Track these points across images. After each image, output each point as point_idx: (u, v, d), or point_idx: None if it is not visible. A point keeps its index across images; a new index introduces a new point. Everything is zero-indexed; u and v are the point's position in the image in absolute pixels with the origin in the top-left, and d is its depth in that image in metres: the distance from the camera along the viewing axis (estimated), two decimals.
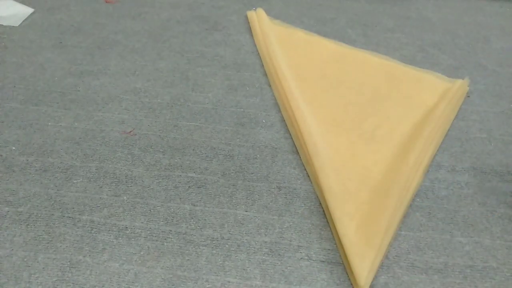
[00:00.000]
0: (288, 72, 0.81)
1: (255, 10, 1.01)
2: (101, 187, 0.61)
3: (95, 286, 0.50)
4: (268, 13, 1.00)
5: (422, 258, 0.55)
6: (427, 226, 0.59)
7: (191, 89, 0.79)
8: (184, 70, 0.84)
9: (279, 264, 0.54)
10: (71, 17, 0.98)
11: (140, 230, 0.56)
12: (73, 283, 0.50)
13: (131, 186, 0.62)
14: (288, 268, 0.53)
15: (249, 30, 0.97)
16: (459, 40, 0.98)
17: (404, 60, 0.89)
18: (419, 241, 0.57)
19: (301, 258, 0.54)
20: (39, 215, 0.57)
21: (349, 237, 0.54)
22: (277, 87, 0.79)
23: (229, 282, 0.52)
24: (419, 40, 0.97)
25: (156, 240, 0.55)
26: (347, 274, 0.53)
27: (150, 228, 0.57)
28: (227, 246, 0.55)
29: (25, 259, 0.52)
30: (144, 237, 0.56)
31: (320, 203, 0.61)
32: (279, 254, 0.55)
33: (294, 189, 0.63)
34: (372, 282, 0.52)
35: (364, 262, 0.52)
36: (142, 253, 0.54)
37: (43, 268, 0.52)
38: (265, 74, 0.84)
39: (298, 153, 0.68)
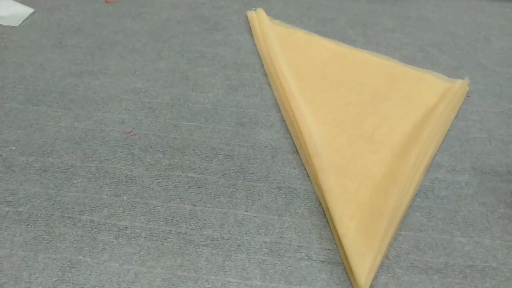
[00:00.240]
0: (288, 72, 0.81)
1: (255, 10, 1.01)
2: (101, 187, 0.61)
3: (95, 286, 0.50)
4: (268, 13, 1.00)
5: (422, 258, 0.55)
6: (427, 226, 0.59)
7: (191, 89, 0.79)
8: (184, 70, 0.84)
9: (279, 264, 0.54)
10: (71, 17, 0.98)
11: (140, 230, 0.56)
12: (73, 283, 0.50)
13: (131, 186, 0.62)
14: (288, 268, 0.53)
15: (249, 30, 0.97)
16: (459, 40, 0.98)
17: (404, 60, 0.89)
18: (419, 241, 0.57)
19: (301, 258, 0.54)
20: (39, 215, 0.57)
21: (349, 237, 0.54)
22: (277, 87, 0.79)
23: (229, 282, 0.52)
24: (419, 40, 0.97)
25: (156, 240, 0.55)
26: (347, 274, 0.53)
27: (150, 228, 0.57)
28: (227, 246, 0.55)
29: (25, 259, 0.52)
30: (144, 237, 0.56)
31: (320, 203, 0.61)
32: (279, 254, 0.55)
33: (294, 189, 0.63)
34: (372, 282, 0.52)
35: (364, 262, 0.52)
36: (142, 253, 0.54)
37: (43, 268, 0.52)
38: (265, 74, 0.84)
39: (298, 153, 0.68)
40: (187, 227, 0.57)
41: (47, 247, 0.54)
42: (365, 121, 0.74)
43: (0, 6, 0.99)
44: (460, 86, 0.81)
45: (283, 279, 0.52)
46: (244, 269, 0.53)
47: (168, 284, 0.51)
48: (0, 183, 0.61)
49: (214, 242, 0.56)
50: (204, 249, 0.55)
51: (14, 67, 0.82)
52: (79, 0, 1.05)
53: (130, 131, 0.70)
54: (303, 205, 0.61)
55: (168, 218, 0.58)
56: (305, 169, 0.65)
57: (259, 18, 0.97)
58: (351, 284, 0.52)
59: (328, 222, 0.59)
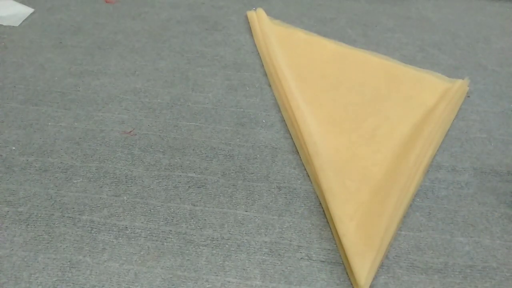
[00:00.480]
0: (288, 72, 0.81)
1: (255, 10, 1.01)
2: (101, 187, 0.61)
3: (95, 286, 0.50)
4: (268, 13, 1.00)
5: (422, 258, 0.55)
6: (427, 226, 0.59)
7: (191, 89, 0.79)
8: (184, 70, 0.84)
9: (279, 264, 0.54)
10: (71, 17, 0.98)
11: (140, 230, 0.56)
12: (73, 283, 0.50)
13: (131, 186, 0.62)
14: (288, 268, 0.53)
15: (249, 30, 0.97)
16: (459, 40, 0.98)
17: (404, 60, 0.89)
18: (419, 241, 0.57)
19: (301, 258, 0.54)
20: (39, 215, 0.57)
21: (349, 237, 0.54)
22: (277, 87, 0.79)
23: (229, 282, 0.52)
24: (419, 40, 0.97)
25: (156, 240, 0.55)
26: (347, 274, 0.53)
27: (150, 228, 0.57)
28: (227, 246, 0.55)
29: (25, 259, 0.52)
30: (144, 237, 0.55)
31: (320, 203, 0.61)
32: (279, 254, 0.55)
33: (294, 189, 0.63)
34: (372, 282, 0.52)
35: (364, 262, 0.52)
36: (142, 253, 0.54)
37: (43, 268, 0.52)
38: (265, 74, 0.84)
39: (298, 153, 0.68)
40: (187, 227, 0.57)
41: (47, 247, 0.54)
42: (365, 121, 0.74)
43: (0, 6, 0.99)
44: (460, 86, 0.81)
45: (283, 279, 0.52)
46: (244, 269, 0.53)
47: (168, 284, 0.51)
48: (0, 183, 0.61)
49: (214, 242, 0.56)
50: (204, 249, 0.55)
51: (14, 67, 0.82)
52: (79, 0, 1.05)
53: (130, 131, 0.70)
54: (303, 205, 0.61)
55: (168, 218, 0.58)
56: (305, 169, 0.65)
57: (259, 18, 0.97)
58: (351, 284, 0.52)
59: (328, 222, 0.59)
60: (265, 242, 0.56)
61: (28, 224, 0.56)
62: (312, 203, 0.61)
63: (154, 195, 0.61)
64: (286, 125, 0.73)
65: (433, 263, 0.55)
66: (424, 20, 1.05)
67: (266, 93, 0.80)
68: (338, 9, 1.08)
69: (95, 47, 0.89)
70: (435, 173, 0.66)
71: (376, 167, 0.66)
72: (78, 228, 0.56)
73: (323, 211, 0.60)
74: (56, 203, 0.59)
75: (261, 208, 0.60)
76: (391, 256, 0.55)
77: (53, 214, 0.57)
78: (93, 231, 0.56)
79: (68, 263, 0.52)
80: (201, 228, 0.57)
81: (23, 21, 0.95)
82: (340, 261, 0.54)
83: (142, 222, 0.57)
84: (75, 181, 0.62)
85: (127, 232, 0.56)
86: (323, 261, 0.54)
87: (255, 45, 0.92)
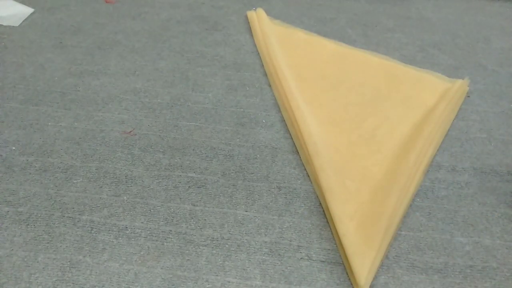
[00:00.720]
0: (288, 72, 0.81)
1: (255, 10, 1.01)
2: (101, 187, 0.61)
3: (95, 286, 0.50)
4: (268, 13, 1.00)
5: (422, 258, 0.55)
6: (427, 226, 0.59)
7: (191, 89, 0.79)
8: (184, 70, 0.84)
9: (279, 264, 0.54)
10: (71, 17, 0.98)
11: (140, 230, 0.56)
12: (73, 283, 0.50)
13: (131, 186, 0.62)
14: (288, 268, 0.53)
15: (249, 30, 0.97)
16: (459, 40, 0.98)
17: (404, 60, 0.89)
18: (419, 241, 0.57)
19: (301, 258, 0.54)
20: (39, 215, 0.57)
21: (349, 237, 0.54)
22: (277, 87, 0.79)
23: (229, 282, 0.52)
24: (419, 40, 0.97)
25: (156, 240, 0.55)
26: (347, 274, 0.53)
27: (150, 228, 0.57)
28: (227, 246, 0.55)
29: (25, 259, 0.52)
30: (144, 237, 0.55)
31: (320, 203, 0.61)
32: (279, 254, 0.55)
33: (294, 189, 0.63)
34: (372, 282, 0.52)
35: (364, 262, 0.52)
36: (142, 253, 0.54)
37: (43, 268, 0.52)
38: (265, 74, 0.84)
39: (298, 153, 0.68)
40: (187, 227, 0.57)
41: (47, 247, 0.54)
42: (365, 121, 0.74)
43: (0, 6, 0.99)
44: (460, 86, 0.81)
45: (283, 279, 0.52)
46: (244, 269, 0.53)
47: (168, 284, 0.51)
48: (0, 183, 0.61)
49: (214, 242, 0.56)
50: (204, 249, 0.55)
51: (14, 67, 0.82)
52: (79, 0, 1.05)
53: (130, 131, 0.70)
54: (303, 205, 0.61)
55: (168, 218, 0.58)
56: (305, 169, 0.65)
57: (259, 18, 0.97)
58: (351, 284, 0.52)
59: (328, 222, 0.58)
60: (265, 242, 0.56)
61: (28, 224, 0.56)
62: (312, 203, 0.61)
63: (154, 195, 0.61)
64: (286, 125, 0.73)
65: (433, 263, 0.55)
66: (424, 20, 1.05)
67: (266, 93, 0.80)
68: (338, 9, 1.08)
69: (95, 47, 0.89)
70: (435, 173, 0.66)
71: (376, 167, 0.66)
72: (78, 228, 0.56)
73: (323, 211, 0.60)
74: (56, 203, 0.59)
75: (261, 208, 0.60)
76: (391, 256, 0.55)
77: (53, 214, 0.57)
78: (93, 231, 0.56)
79: (68, 263, 0.52)
80: (201, 228, 0.57)
81: (23, 21, 0.95)
82: (340, 261, 0.54)
83: (142, 222, 0.57)
84: (75, 181, 0.62)
85: (127, 232, 0.56)
86: (323, 261, 0.54)
87: (255, 45, 0.92)
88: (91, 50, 0.88)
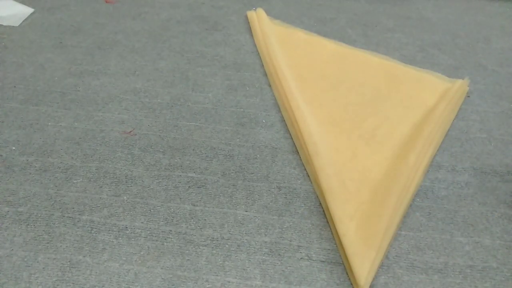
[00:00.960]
0: (288, 72, 0.81)
1: (255, 10, 1.01)
2: (101, 187, 0.61)
3: (95, 286, 0.50)
4: (268, 13, 1.00)
5: (422, 258, 0.55)
6: (427, 226, 0.59)
7: (191, 89, 0.79)
8: (184, 70, 0.84)
9: (279, 264, 0.54)
10: (71, 17, 0.98)
11: (140, 230, 0.56)
12: (73, 283, 0.50)
13: (131, 186, 0.62)
14: (288, 268, 0.53)
15: (249, 30, 0.97)
16: (459, 40, 0.98)
17: (404, 60, 0.89)
18: (419, 241, 0.57)
19: (301, 258, 0.54)
20: (39, 215, 0.57)
21: (349, 237, 0.54)
22: (277, 87, 0.79)
23: (229, 282, 0.52)
24: (419, 40, 0.97)
25: (156, 240, 0.55)
26: (347, 274, 0.53)
27: (150, 228, 0.57)
28: (227, 246, 0.55)
29: (25, 259, 0.52)
30: (144, 237, 0.55)
31: (320, 203, 0.61)
32: (279, 254, 0.55)
33: (294, 189, 0.63)
34: (372, 282, 0.52)
35: (364, 262, 0.52)
36: (142, 253, 0.54)
37: (43, 268, 0.52)
38: (265, 74, 0.84)
39: (298, 153, 0.68)
40: (187, 227, 0.57)
41: (47, 247, 0.54)
42: (365, 121, 0.74)
43: (0, 6, 0.99)
44: (460, 86, 0.81)
45: (283, 279, 0.52)
46: (244, 269, 0.53)
47: (168, 284, 0.51)
48: (0, 183, 0.61)
49: (214, 242, 0.56)
50: (204, 249, 0.55)
51: (14, 67, 0.82)
52: (79, 0, 1.05)
53: (130, 131, 0.70)
54: (303, 205, 0.61)
55: (168, 218, 0.58)
56: (305, 169, 0.65)
57: (259, 18, 0.97)
58: (351, 284, 0.52)
59: (328, 222, 0.58)
60: (265, 242, 0.56)
61: (28, 224, 0.56)
62: (312, 203, 0.61)
63: (154, 195, 0.61)
64: (286, 125, 0.73)
65: (433, 263, 0.55)
66: (424, 20, 1.05)
67: (266, 93, 0.80)
68: (338, 9, 1.08)
69: (95, 47, 0.89)
70: (435, 173, 0.66)
71: (376, 167, 0.66)
72: (78, 228, 0.56)
73: (323, 211, 0.60)
74: (56, 203, 0.59)
75: (261, 208, 0.60)
76: (391, 256, 0.55)
77: (53, 214, 0.57)
78: (93, 231, 0.56)
79: (68, 263, 0.52)
80: (201, 228, 0.57)
81: (23, 21, 0.95)
82: (340, 261, 0.54)
83: (142, 222, 0.57)
84: (75, 181, 0.62)
85: (127, 232, 0.56)
86: (323, 261, 0.54)
87: (255, 45, 0.92)
88: (91, 50, 0.88)
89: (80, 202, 0.59)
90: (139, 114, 0.74)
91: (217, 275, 0.52)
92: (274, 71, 0.82)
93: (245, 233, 0.57)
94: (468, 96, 0.81)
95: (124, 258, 0.53)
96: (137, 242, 0.55)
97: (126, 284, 0.51)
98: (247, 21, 1.00)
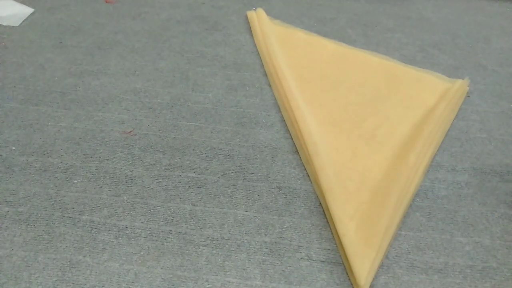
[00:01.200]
0: (288, 72, 0.81)
1: (255, 10, 1.01)
2: (101, 187, 0.61)
3: (95, 286, 0.50)
4: (268, 13, 1.00)
5: (422, 258, 0.55)
6: (427, 226, 0.59)
7: (191, 89, 0.79)
8: (184, 70, 0.84)
9: (279, 264, 0.54)
10: (71, 17, 0.98)
11: (140, 230, 0.56)
12: (73, 283, 0.50)
13: (131, 186, 0.62)
14: (288, 268, 0.53)
15: (249, 30, 0.97)
16: (459, 40, 0.98)
17: (404, 60, 0.89)
18: (419, 241, 0.57)
19: (301, 258, 0.54)
20: (39, 215, 0.57)
21: (349, 237, 0.54)
22: (277, 87, 0.79)
23: (229, 282, 0.52)
24: (419, 40, 0.97)
25: (156, 240, 0.55)
26: (347, 274, 0.53)
27: (150, 228, 0.57)
28: (227, 246, 0.55)
29: (25, 259, 0.52)
30: (144, 237, 0.55)
31: (320, 203, 0.61)
32: (279, 254, 0.55)
33: (294, 189, 0.63)
34: (372, 282, 0.52)
35: (364, 262, 0.52)
36: (142, 253, 0.54)
37: (43, 268, 0.52)
38: (265, 74, 0.84)
39: (298, 153, 0.68)
40: (187, 227, 0.57)
41: (47, 247, 0.54)
42: (365, 121, 0.74)
43: (0, 6, 0.99)
44: (460, 86, 0.81)
45: (283, 279, 0.52)
46: (244, 269, 0.53)
47: (168, 284, 0.51)
48: (0, 183, 0.61)
49: (214, 242, 0.56)
50: (204, 249, 0.55)
51: (14, 67, 0.82)
52: (79, 0, 1.05)
53: (130, 131, 0.70)
54: (303, 205, 0.61)
55: (168, 218, 0.58)
56: (305, 169, 0.65)
57: (259, 18, 0.97)
58: (351, 284, 0.52)
59: (328, 222, 0.58)
60: (265, 242, 0.56)
61: (28, 224, 0.56)
62: (312, 203, 0.61)
63: (154, 195, 0.61)
64: (286, 125, 0.73)
65: (433, 263, 0.55)
66: (424, 20, 1.05)
67: (266, 93, 0.80)
68: (338, 9, 1.08)
69: (95, 47, 0.89)
70: (435, 173, 0.66)
71: (376, 167, 0.66)
72: (78, 228, 0.56)
73: (323, 211, 0.60)
74: (56, 203, 0.59)
75: (261, 208, 0.60)
76: (391, 256, 0.55)
77: (53, 214, 0.57)
78: (93, 231, 0.56)
79: (68, 263, 0.52)
80: (201, 228, 0.57)
81: (23, 21, 0.95)
82: (340, 261, 0.54)
83: (142, 222, 0.57)
84: (75, 181, 0.62)
85: (127, 232, 0.56)
86: (323, 261, 0.54)
87: (255, 45, 0.92)
88: (91, 50, 0.88)
89: (80, 202, 0.59)
90: (139, 114, 0.74)
91: (217, 275, 0.52)
92: (274, 71, 0.82)
93: (245, 233, 0.57)
94: (468, 96, 0.81)
95: (124, 258, 0.53)
96: (137, 242, 0.55)
97: (126, 284, 0.51)
98: (247, 21, 1.00)
